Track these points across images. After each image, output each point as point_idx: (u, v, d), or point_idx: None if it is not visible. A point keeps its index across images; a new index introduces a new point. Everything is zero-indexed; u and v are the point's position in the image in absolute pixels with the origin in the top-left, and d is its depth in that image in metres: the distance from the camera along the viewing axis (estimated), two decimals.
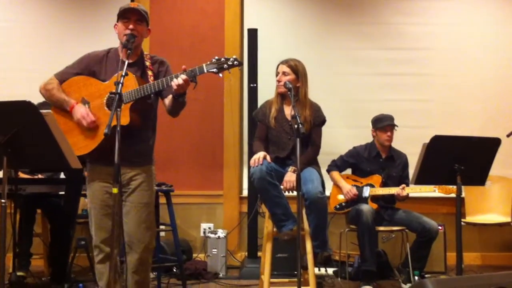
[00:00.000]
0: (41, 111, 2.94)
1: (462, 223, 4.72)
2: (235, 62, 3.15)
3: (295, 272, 3.36)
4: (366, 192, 4.83)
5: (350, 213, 4.84)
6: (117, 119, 2.84)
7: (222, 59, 3.15)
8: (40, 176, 4.86)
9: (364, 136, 5.13)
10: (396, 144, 5.02)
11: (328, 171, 4.97)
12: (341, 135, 5.60)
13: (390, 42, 5.88)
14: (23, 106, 2.91)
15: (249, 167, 4.00)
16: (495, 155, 3.58)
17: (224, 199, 5.84)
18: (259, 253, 5.19)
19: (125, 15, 3.28)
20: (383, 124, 4.90)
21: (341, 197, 4.91)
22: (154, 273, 4.93)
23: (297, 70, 4.08)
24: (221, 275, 5.18)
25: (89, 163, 3.38)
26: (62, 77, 3.35)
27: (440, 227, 5.00)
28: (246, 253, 5.46)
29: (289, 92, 3.87)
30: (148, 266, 3.43)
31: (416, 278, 4.59)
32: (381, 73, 5.86)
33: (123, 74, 2.95)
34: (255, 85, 5.37)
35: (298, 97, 4.04)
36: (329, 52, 5.88)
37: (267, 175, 3.78)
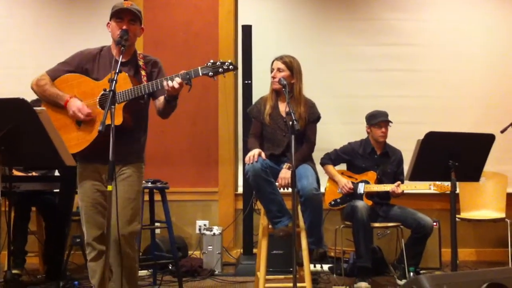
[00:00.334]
0: (35, 108, 2.93)
1: (457, 219, 4.75)
2: (230, 67, 3.15)
3: (291, 269, 3.36)
4: (361, 188, 4.83)
5: (345, 210, 4.85)
6: (111, 117, 2.83)
7: (218, 63, 3.15)
8: (34, 173, 4.85)
9: (358, 132, 5.14)
10: (391, 140, 5.02)
11: (322, 164, 4.96)
12: (336, 131, 5.60)
13: (384, 38, 5.89)
14: (17, 104, 2.90)
15: (244, 164, 4.00)
16: (489, 151, 3.59)
17: (219, 196, 5.84)
18: (254, 250, 5.19)
19: (118, 14, 3.26)
20: (378, 120, 4.90)
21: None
22: (149, 270, 4.95)
23: (292, 67, 4.07)
24: (216, 272, 5.18)
25: (80, 162, 3.35)
26: (54, 73, 3.33)
27: (434, 223, 5.01)
28: (242, 250, 5.46)
29: (283, 89, 3.87)
30: (132, 260, 3.31)
31: (411, 274, 4.59)
32: (375, 69, 5.87)
33: (117, 71, 2.94)
34: (249, 81, 5.36)
35: (292, 94, 4.04)
36: (323, 48, 5.88)
37: (262, 172, 3.77)
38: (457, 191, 4.93)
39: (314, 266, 4.99)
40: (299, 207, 3.84)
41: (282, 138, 4.06)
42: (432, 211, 5.34)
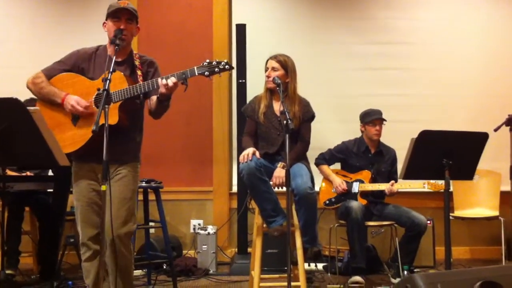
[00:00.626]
0: (28, 108, 2.92)
1: (451, 218, 4.76)
2: (226, 66, 3.15)
3: (285, 268, 3.36)
4: (356, 188, 4.84)
5: (339, 209, 4.85)
6: (105, 116, 2.82)
7: (214, 62, 3.15)
8: (28, 173, 4.83)
9: (353, 130, 5.14)
10: (385, 139, 5.03)
11: (317, 164, 4.97)
12: (330, 130, 5.60)
13: (379, 37, 5.90)
14: (10, 103, 2.89)
15: (238, 163, 3.99)
16: (483, 150, 3.60)
17: (214, 195, 5.83)
18: (249, 249, 5.20)
19: (115, 14, 3.25)
20: (372, 118, 4.91)
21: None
22: (144, 270, 4.93)
23: (286, 66, 4.07)
24: (211, 271, 5.18)
25: (75, 161, 3.35)
26: (50, 72, 3.31)
27: (428, 222, 5.03)
28: (236, 249, 5.46)
29: (277, 88, 3.87)
30: (127, 259, 3.30)
31: (406, 272, 4.60)
32: (370, 67, 5.88)
33: (111, 70, 2.93)
34: (243, 80, 5.36)
35: (287, 93, 4.03)
36: (318, 47, 5.88)
37: (256, 171, 3.77)
38: (451, 189, 4.96)
39: (309, 265, 5.00)
40: (293, 206, 3.85)
41: (276, 137, 4.06)
42: (426, 209, 5.36)
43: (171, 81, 3.09)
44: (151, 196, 4.57)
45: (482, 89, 5.87)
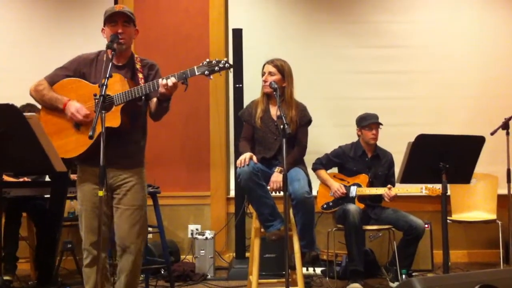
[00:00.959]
0: (24, 114, 2.92)
1: (448, 221, 4.74)
2: (226, 65, 3.16)
3: (283, 272, 3.36)
4: (353, 192, 4.84)
5: (337, 213, 4.85)
6: (101, 122, 2.83)
7: (213, 61, 3.16)
8: (25, 179, 4.83)
9: (349, 134, 5.15)
10: (381, 142, 5.03)
11: (314, 169, 4.97)
12: (327, 134, 5.60)
13: (374, 41, 5.90)
14: (6, 109, 2.89)
15: (235, 167, 3.99)
16: (480, 153, 3.60)
17: (211, 200, 5.83)
18: (247, 254, 5.19)
19: (111, 18, 3.26)
20: (368, 122, 4.91)
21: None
22: (141, 275, 4.91)
23: (283, 70, 4.08)
24: (209, 276, 5.17)
25: (79, 165, 3.36)
26: (53, 79, 3.34)
27: (426, 225, 5.03)
28: (234, 254, 5.46)
29: (274, 92, 3.88)
30: (139, 268, 3.43)
31: (404, 276, 4.60)
32: (366, 71, 5.88)
33: (108, 75, 2.94)
34: (240, 85, 5.36)
35: (284, 97, 4.04)
36: (314, 52, 5.88)
37: (253, 176, 3.77)
38: (448, 193, 4.97)
39: (307, 269, 4.99)
40: (291, 210, 3.85)
41: (273, 142, 4.06)
42: (423, 213, 5.36)
43: (171, 81, 3.10)
44: (149, 201, 4.53)
45: (478, 92, 5.87)
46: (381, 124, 4.95)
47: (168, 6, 5.90)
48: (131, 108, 3.25)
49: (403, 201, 5.15)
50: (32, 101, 3.54)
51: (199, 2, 5.89)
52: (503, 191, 5.16)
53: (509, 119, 4.99)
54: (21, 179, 4.80)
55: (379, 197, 4.86)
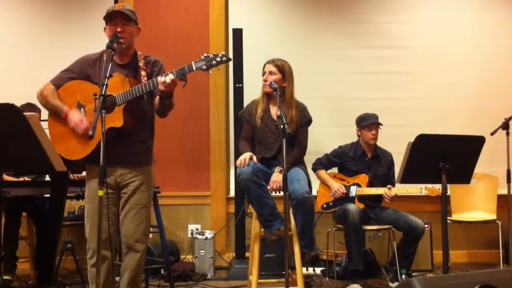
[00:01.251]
0: (24, 113, 2.92)
1: (448, 221, 4.74)
2: (224, 58, 3.15)
3: (283, 272, 3.36)
4: (353, 192, 4.84)
5: (337, 213, 4.85)
6: (101, 121, 2.83)
7: (211, 55, 3.15)
8: (25, 178, 4.83)
9: (349, 134, 5.14)
10: (381, 142, 5.03)
11: (314, 169, 4.96)
12: (327, 134, 5.61)
13: (374, 41, 5.90)
14: (6, 109, 2.89)
15: (235, 167, 3.99)
16: (479, 153, 3.60)
17: (211, 199, 5.83)
18: (247, 254, 5.19)
19: (111, 17, 3.27)
20: (368, 122, 4.91)
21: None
22: (142, 275, 4.91)
23: (284, 70, 4.08)
24: (209, 276, 5.17)
25: (87, 164, 3.38)
26: (58, 82, 3.35)
27: (426, 225, 5.03)
28: (234, 254, 5.46)
29: (274, 92, 3.88)
30: (143, 266, 3.44)
31: (403, 276, 4.60)
32: (365, 71, 5.88)
33: (108, 75, 2.95)
34: (240, 85, 5.36)
35: (284, 97, 4.04)
36: (314, 52, 5.88)
37: (253, 176, 3.77)
38: (448, 193, 4.97)
39: (307, 269, 4.98)
40: (291, 210, 3.85)
41: (274, 142, 4.06)
42: (423, 213, 5.36)
43: (169, 78, 3.09)
44: None
45: (478, 92, 5.87)
46: (381, 124, 4.95)
47: (168, 6, 5.90)
48: (134, 108, 3.25)
49: (403, 201, 5.16)
50: (32, 101, 3.54)
51: (199, 2, 5.90)
52: (503, 191, 5.16)
53: (509, 119, 4.99)
54: (21, 179, 4.80)
55: (379, 197, 4.86)
